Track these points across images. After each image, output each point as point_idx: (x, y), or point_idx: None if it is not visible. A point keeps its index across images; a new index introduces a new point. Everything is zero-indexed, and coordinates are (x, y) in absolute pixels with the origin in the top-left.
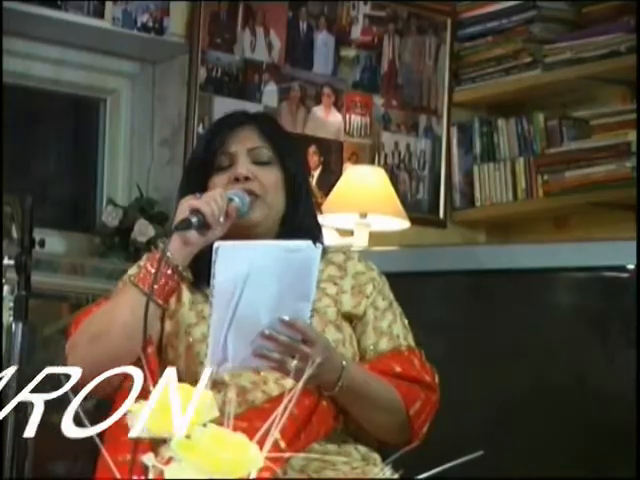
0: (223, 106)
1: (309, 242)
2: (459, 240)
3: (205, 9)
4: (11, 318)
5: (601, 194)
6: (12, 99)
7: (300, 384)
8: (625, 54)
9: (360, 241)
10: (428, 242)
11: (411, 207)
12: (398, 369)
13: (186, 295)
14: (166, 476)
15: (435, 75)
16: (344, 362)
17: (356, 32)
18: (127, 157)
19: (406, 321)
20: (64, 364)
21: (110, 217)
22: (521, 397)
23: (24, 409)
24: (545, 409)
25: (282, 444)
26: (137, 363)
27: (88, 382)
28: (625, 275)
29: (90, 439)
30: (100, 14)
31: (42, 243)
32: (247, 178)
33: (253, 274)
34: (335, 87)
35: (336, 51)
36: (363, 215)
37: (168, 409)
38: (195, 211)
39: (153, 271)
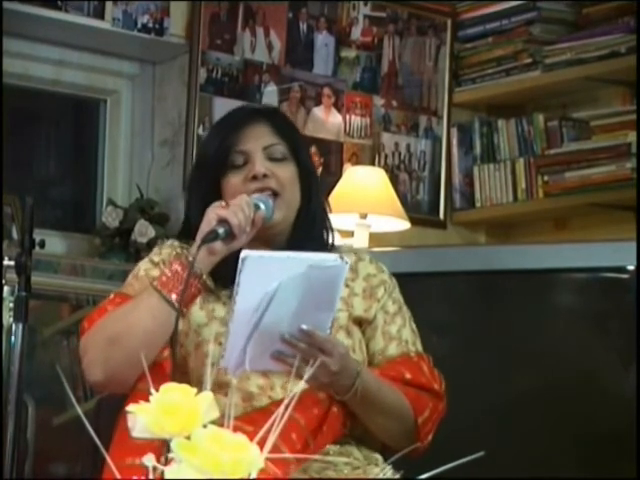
0: (223, 107)
1: (336, 256)
2: (459, 241)
3: (205, 10)
4: (11, 319)
5: (601, 195)
6: (12, 100)
7: (300, 386)
8: (625, 55)
9: (360, 242)
10: (428, 243)
11: (411, 208)
12: (408, 376)
13: None
14: (166, 476)
15: (435, 76)
16: (359, 369)
17: (356, 33)
18: (127, 158)
19: (414, 325)
20: (77, 362)
21: (110, 218)
22: (521, 397)
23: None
24: (545, 409)
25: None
26: (153, 366)
27: (105, 383)
28: (625, 276)
29: (90, 439)
30: (100, 15)
31: (42, 244)
32: (265, 175)
33: (279, 288)
34: (335, 88)
35: (336, 52)
36: (363, 216)
37: (169, 410)
38: (222, 221)
39: (170, 275)
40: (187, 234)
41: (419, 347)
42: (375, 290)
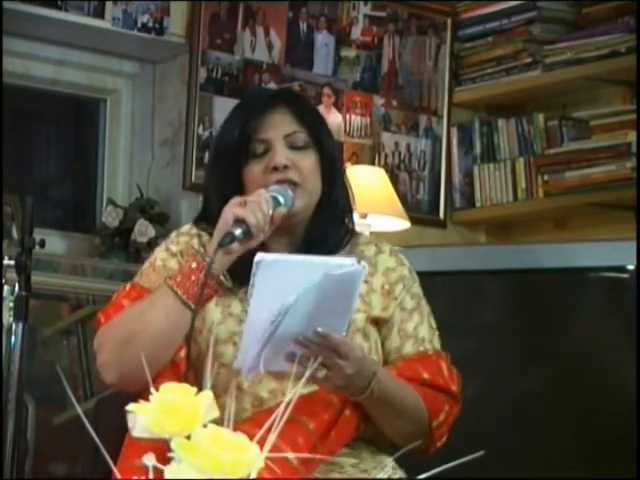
0: (223, 106)
1: (354, 260)
2: (459, 240)
3: (205, 9)
4: (11, 318)
5: (601, 195)
6: (12, 99)
7: (300, 386)
8: (625, 54)
9: None
10: (428, 242)
11: (411, 207)
12: (426, 375)
13: None
14: (166, 476)
15: (435, 75)
16: (375, 369)
17: (356, 32)
18: (127, 157)
19: (434, 321)
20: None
21: (110, 217)
22: (522, 397)
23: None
24: (545, 408)
25: (295, 463)
26: (172, 365)
27: (120, 384)
28: (625, 275)
29: (90, 439)
30: (100, 14)
31: (42, 243)
32: (286, 167)
33: (294, 292)
34: (335, 87)
35: (336, 51)
36: (363, 215)
37: (169, 409)
38: (240, 221)
39: (186, 272)
40: (205, 220)
41: (437, 344)
42: (393, 287)
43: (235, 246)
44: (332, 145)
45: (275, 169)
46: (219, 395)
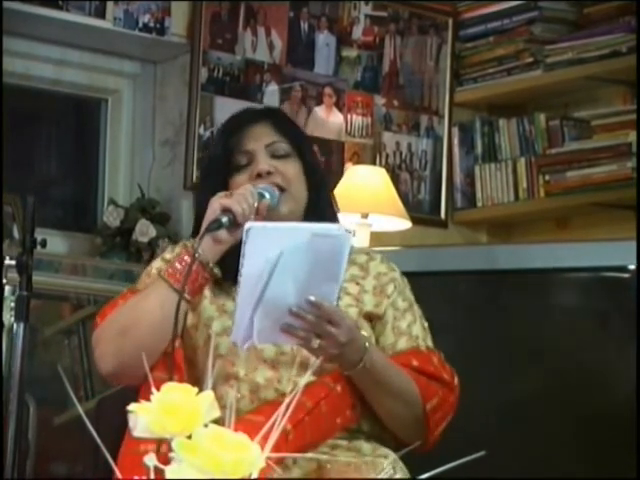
0: (224, 106)
1: (340, 226)
2: (460, 240)
3: (206, 9)
4: (12, 318)
5: (602, 194)
6: (13, 99)
7: (306, 377)
8: (626, 54)
9: (361, 241)
10: (429, 242)
11: (412, 207)
12: (415, 363)
13: (208, 288)
14: (167, 476)
15: (436, 75)
16: (367, 344)
17: (357, 32)
18: (128, 157)
19: (426, 323)
20: (90, 356)
21: (111, 217)
22: (522, 397)
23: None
24: (545, 408)
25: (288, 426)
26: (165, 357)
27: (117, 374)
28: (626, 275)
29: (91, 439)
30: (101, 14)
31: (43, 243)
32: (269, 173)
33: (283, 257)
34: (336, 87)
35: (337, 51)
36: (364, 215)
37: (170, 409)
38: (226, 210)
39: (177, 265)
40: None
41: (430, 343)
42: (385, 287)
43: (223, 234)
44: (313, 156)
45: (259, 176)
46: (215, 385)
